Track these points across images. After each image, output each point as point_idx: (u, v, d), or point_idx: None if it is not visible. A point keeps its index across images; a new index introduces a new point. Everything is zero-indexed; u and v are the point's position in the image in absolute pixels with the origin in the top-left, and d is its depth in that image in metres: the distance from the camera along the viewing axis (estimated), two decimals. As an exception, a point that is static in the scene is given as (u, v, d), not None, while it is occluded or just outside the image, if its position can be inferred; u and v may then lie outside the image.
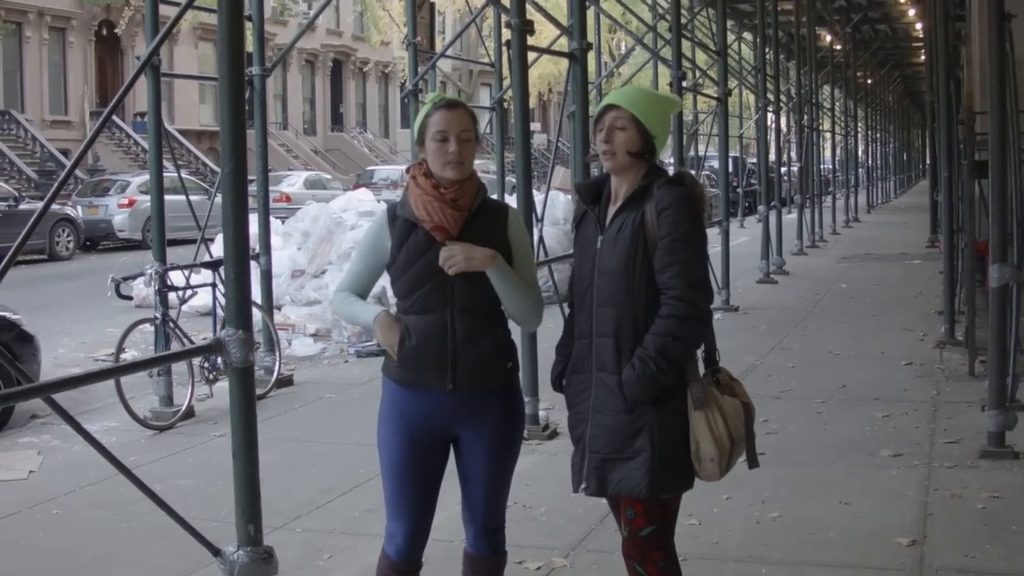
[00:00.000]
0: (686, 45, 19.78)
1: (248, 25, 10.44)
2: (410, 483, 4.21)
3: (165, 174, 9.94)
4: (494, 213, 4.26)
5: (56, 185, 4.30)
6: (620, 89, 4.37)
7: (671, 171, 4.23)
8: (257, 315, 9.91)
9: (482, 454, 4.24)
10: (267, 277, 11.01)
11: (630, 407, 4.01)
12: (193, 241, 10.81)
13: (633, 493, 4.01)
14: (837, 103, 35.91)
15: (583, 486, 4.16)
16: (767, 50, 23.32)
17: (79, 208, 28.63)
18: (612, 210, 4.15)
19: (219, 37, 4.15)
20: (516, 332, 7.76)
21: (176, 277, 10.02)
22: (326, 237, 15.49)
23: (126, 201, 29.08)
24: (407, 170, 4.30)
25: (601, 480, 4.08)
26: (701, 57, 25.00)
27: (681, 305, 3.94)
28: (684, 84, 15.49)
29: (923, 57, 32.72)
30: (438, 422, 4.18)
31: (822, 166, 36.12)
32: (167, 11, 9.82)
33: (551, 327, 10.87)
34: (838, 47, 32.05)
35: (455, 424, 4.20)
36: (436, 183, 4.13)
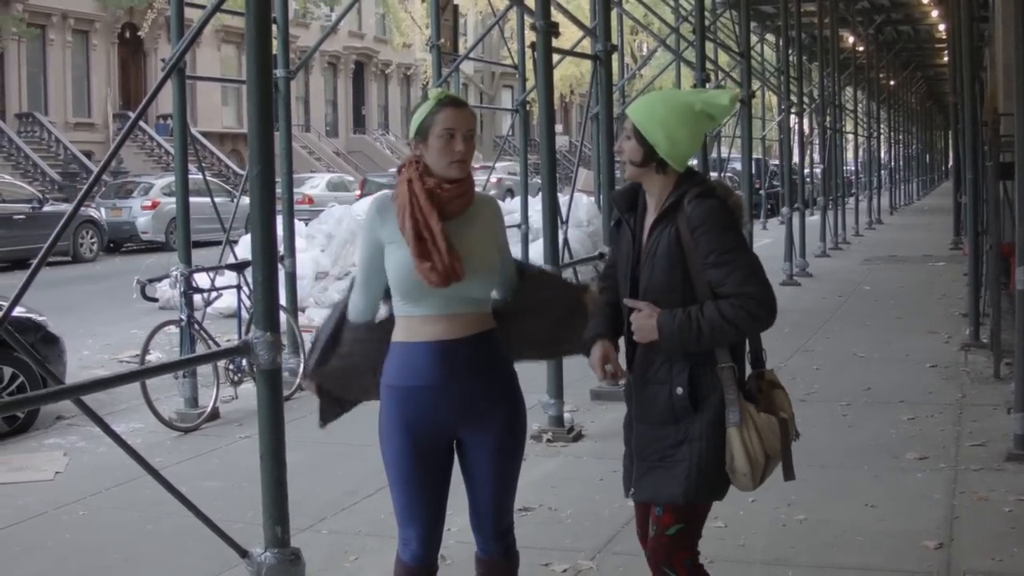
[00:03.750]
0: (709, 47, 19.71)
1: (272, 28, 10.46)
2: (419, 488, 4.16)
3: (190, 176, 9.96)
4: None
5: (84, 191, 4.32)
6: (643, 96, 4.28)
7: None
8: (282, 317, 9.92)
9: (486, 456, 4.19)
10: (292, 279, 11.02)
11: (676, 416, 3.98)
12: (216, 243, 10.84)
13: (671, 501, 3.99)
14: (860, 105, 35.84)
15: (631, 492, 4.14)
16: (790, 52, 23.25)
17: (103, 210, 28.74)
18: (648, 221, 4.08)
19: (247, 40, 4.14)
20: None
21: (201, 279, 10.05)
22: (349, 239, 15.53)
23: (149, 203, 29.19)
24: (399, 170, 4.19)
25: (646, 488, 4.06)
26: (724, 59, 24.95)
27: (754, 303, 3.88)
28: (707, 86, 15.47)
29: (946, 58, 32.57)
30: (440, 425, 4.12)
31: (845, 168, 36.03)
32: (192, 13, 9.85)
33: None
34: (861, 48, 31.97)
35: (458, 426, 4.15)
36: (438, 182, 4.06)
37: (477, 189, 4.27)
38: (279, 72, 10.62)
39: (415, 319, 4.10)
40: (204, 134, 42.57)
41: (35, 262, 3.88)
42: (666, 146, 3.98)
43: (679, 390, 3.96)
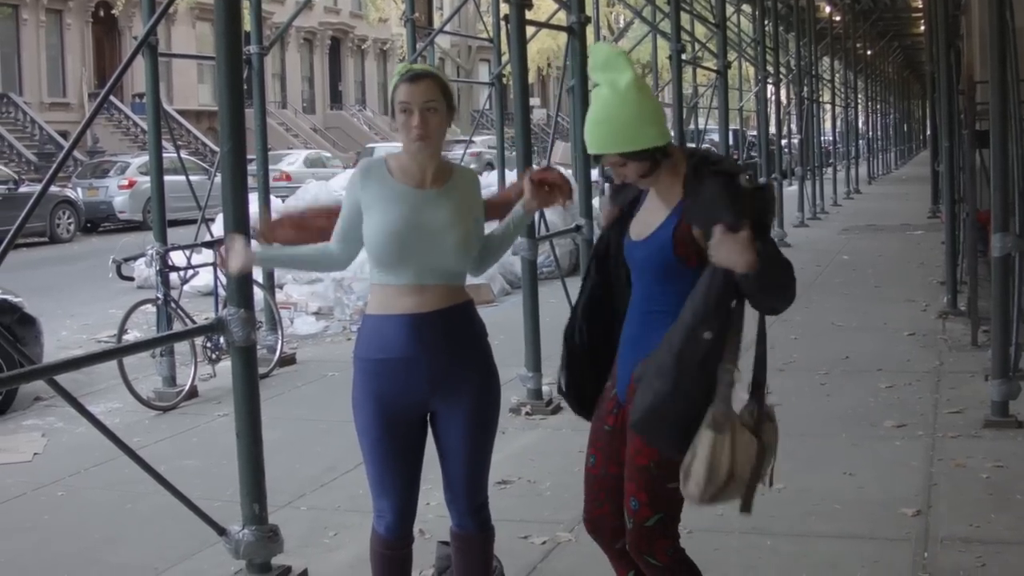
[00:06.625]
0: (685, 18, 19.71)
1: (245, 4, 10.40)
2: (392, 459, 4.15)
3: (165, 155, 9.91)
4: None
5: (54, 167, 4.30)
6: (589, 129, 3.78)
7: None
8: (259, 294, 9.89)
9: (459, 430, 4.17)
10: (269, 256, 10.94)
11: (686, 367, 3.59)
12: (194, 221, 10.80)
13: (629, 420, 3.77)
14: (837, 75, 35.85)
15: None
16: (766, 22, 23.25)
17: (79, 190, 28.60)
18: (651, 203, 3.84)
19: (216, 16, 4.12)
20: (516, 310, 7.74)
21: (177, 257, 10.01)
22: (326, 215, 15.46)
23: (126, 182, 29.08)
24: None
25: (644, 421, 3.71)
26: (700, 30, 24.91)
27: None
28: (683, 57, 15.45)
29: (923, 27, 32.63)
30: (413, 397, 4.10)
31: (822, 138, 36.08)
32: (164, -10, 9.78)
33: (553, 302, 10.94)
34: (837, 18, 32.00)
35: (431, 399, 4.12)
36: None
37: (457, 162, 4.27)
38: (252, 48, 10.55)
39: (390, 289, 4.08)
40: (180, 112, 42.42)
41: (5, 241, 3.85)
42: (654, 133, 3.71)
43: (707, 334, 3.63)
